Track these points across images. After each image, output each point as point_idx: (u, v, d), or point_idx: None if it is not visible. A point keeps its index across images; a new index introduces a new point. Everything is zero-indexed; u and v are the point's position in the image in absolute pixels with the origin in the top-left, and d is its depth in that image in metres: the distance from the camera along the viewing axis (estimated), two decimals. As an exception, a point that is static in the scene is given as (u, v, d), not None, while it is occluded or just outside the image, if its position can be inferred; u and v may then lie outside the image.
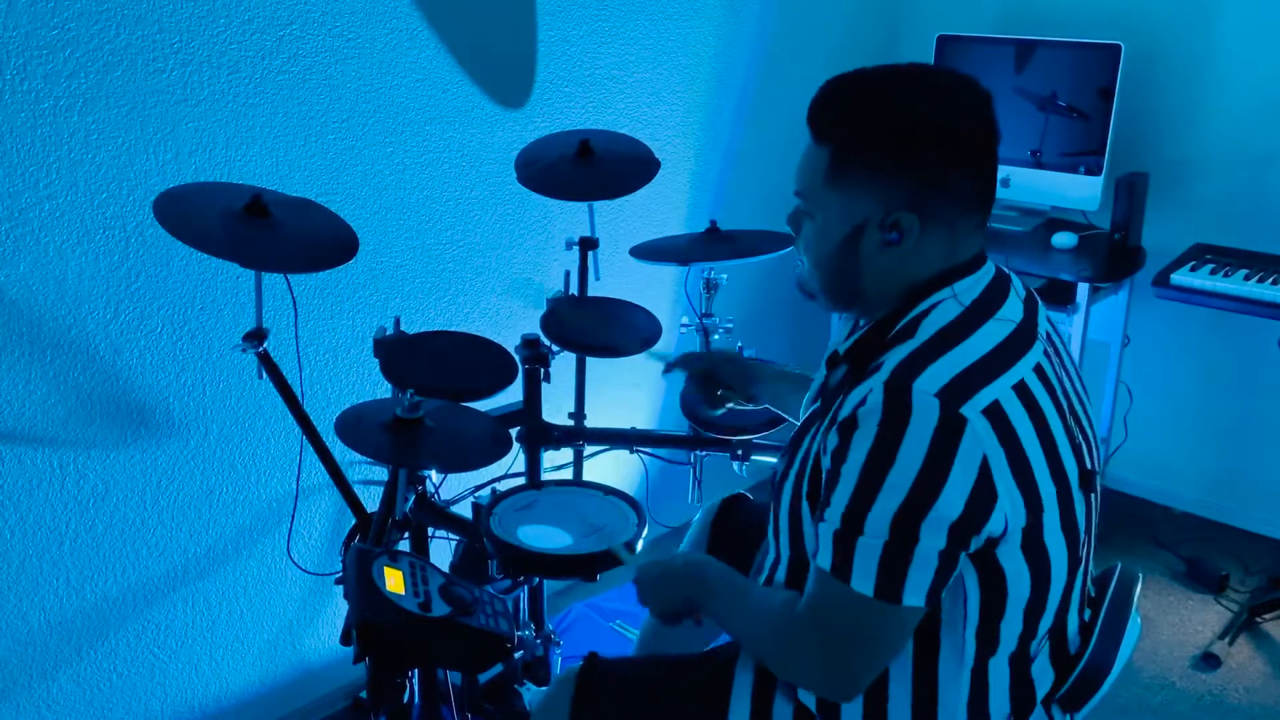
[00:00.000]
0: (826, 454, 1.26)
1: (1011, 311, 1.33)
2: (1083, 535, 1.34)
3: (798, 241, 1.38)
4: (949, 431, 1.18)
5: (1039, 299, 1.43)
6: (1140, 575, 1.53)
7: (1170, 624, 2.85)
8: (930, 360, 1.22)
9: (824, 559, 1.25)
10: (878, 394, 1.21)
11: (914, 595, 1.21)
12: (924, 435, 1.18)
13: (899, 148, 1.26)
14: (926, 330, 1.27)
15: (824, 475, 1.27)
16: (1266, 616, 2.86)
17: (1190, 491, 3.36)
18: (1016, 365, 1.26)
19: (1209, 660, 2.69)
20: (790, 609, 1.31)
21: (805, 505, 1.33)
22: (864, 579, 1.21)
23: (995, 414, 1.20)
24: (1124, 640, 1.42)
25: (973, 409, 1.19)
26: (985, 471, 1.19)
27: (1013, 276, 1.41)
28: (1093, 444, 1.38)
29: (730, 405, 1.89)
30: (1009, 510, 1.21)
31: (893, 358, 1.24)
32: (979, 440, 1.18)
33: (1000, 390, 1.22)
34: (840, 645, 1.26)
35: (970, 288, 1.31)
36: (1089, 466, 1.34)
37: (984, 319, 1.29)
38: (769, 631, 1.35)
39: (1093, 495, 1.37)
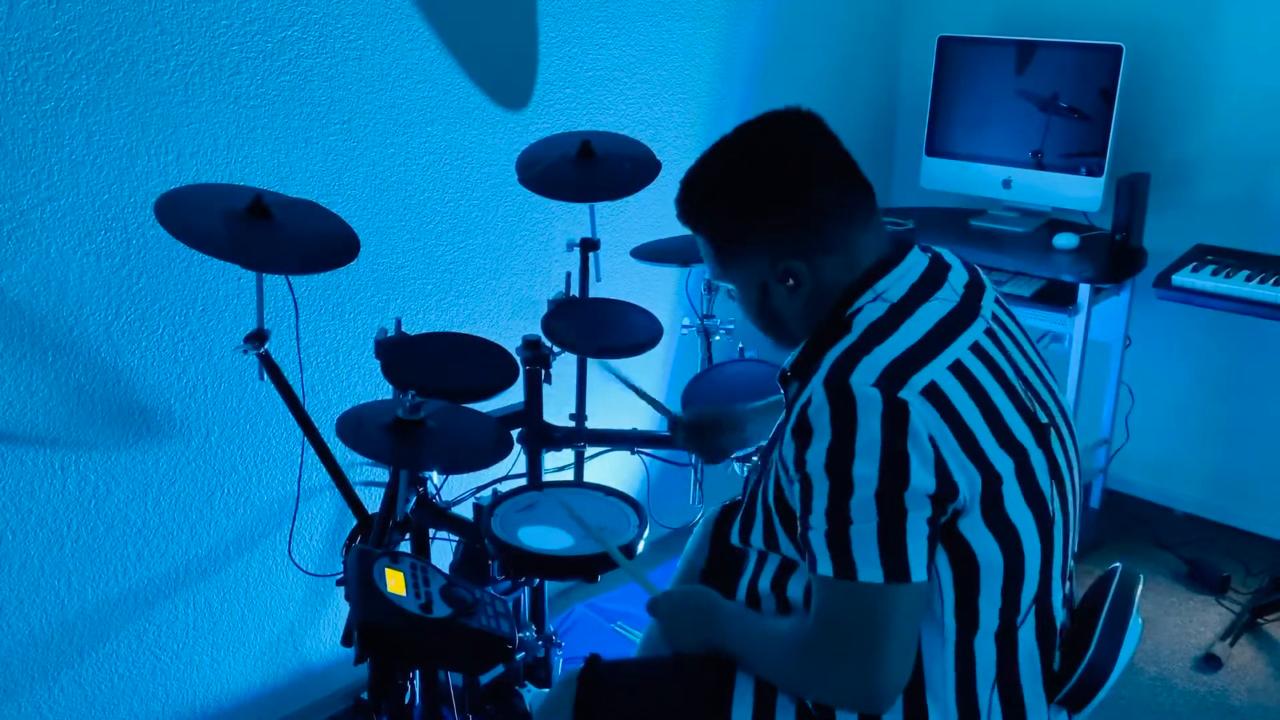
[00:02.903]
0: (788, 464, 1.29)
1: (945, 298, 1.36)
2: (1052, 503, 1.34)
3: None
4: (895, 416, 1.21)
5: (987, 282, 1.47)
6: (1141, 576, 1.54)
7: (1172, 625, 2.85)
8: (863, 353, 1.27)
9: (824, 567, 1.25)
10: (820, 393, 1.25)
11: (919, 569, 1.23)
12: (874, 424, 1.21)
13: (750, 214, 1.36)
14: (859, 326, 1.31)
15: (794, 486, 1.29)
16: (1268, 618, 2.85)
17: (1192, 492, 3.36)
18: (950, 347, 1.30)
19: (1210, 661, 2.69)
20: (802, 629, 1.32)
21: (775, 515, 1.37)
22: (870, 568, 1.22)
23: (934, 394, 1.24)
24: (1125, 642, 1.43)
25: (911, 391, 1.23)
26: (935, 448, 1.22)
27: (954, 264, 1.45)
28: (1050, 408, 1.40)
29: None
30: (963, 484, 1.24)
31: (829, 357, 1.29)
32: (924, 420, 1.22)
33: (936, 371, 1.26)
34: (866, 645, 1.25)
35: (895, 284, 1.35)
36: (1043, 420, 1.36)
37: (913, 310, 1.33)
38: (788, 657, 1.35)
39: (1061, 462, 1.37)
